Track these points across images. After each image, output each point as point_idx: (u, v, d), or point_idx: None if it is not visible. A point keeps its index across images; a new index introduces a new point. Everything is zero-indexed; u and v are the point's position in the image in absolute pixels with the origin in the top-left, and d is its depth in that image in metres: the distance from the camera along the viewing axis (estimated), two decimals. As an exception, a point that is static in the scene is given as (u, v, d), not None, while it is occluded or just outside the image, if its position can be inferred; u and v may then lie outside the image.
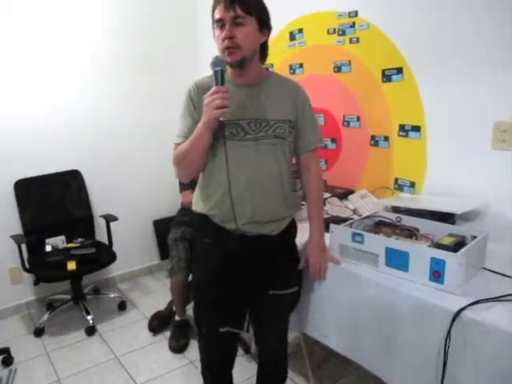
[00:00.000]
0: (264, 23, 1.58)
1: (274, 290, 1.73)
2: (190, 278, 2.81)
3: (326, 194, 2.59)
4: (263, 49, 1.65)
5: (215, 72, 1.48)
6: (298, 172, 1.83)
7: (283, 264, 1.75)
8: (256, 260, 1.66)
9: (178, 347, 2.74)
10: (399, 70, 2.35)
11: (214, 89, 1.46)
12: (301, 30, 2.86)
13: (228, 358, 1.89)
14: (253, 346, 2.53)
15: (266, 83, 1.65)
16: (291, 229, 1.77)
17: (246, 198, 1.59)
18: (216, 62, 1.49)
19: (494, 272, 1.60)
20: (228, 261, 1.65)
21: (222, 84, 1.48)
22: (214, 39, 1.59)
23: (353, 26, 2.54)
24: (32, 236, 3.10)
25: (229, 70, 1.62)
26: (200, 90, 1.60)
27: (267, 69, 1.75)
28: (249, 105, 1.59)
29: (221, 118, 1.50)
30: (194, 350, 2.74)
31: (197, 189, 1.73)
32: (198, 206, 1.71)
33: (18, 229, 3.14)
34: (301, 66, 2.91)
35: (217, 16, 1.51)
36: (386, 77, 2.42)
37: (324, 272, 1.83)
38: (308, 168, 1.80)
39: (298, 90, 1.74)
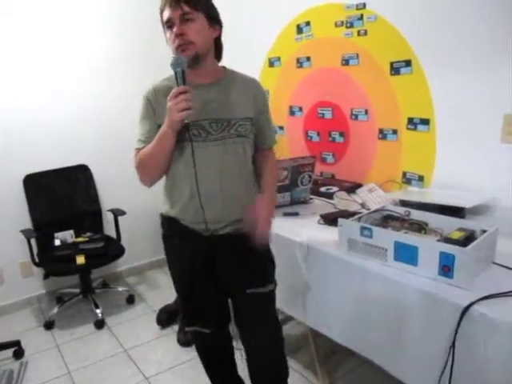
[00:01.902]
0: (213, 18, 1.59)
1: (251, 289, 1.71)
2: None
3: (334, 188, 2.59)
4: (217, 47, 1.66)
5: (176, 73, 1.49)
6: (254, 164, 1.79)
7: (256, 262, 1.72)
8: (227, 259, 1.67)
9: (187, 340, 2.75)
10: (408, 63, 2.33)
11: (175, 90, 1.47)
12: (308, 23, 2.84)
13: (212, 357, 1.96)
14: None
15: (224, 82, 1.65)
16: None
17: (214, 198, 1.60)
18: (176, 63, 1.49)
19: (504, 267, 1.59)
20: (199, 261, 1.67)
21: (184, 84, 1.49)
22: (166, 43, 1.60)
23: (361, 18, 2.51)
24: (41, 231, 3.12)
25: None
26: (159, 93, 1.62)
27: (224, 67, 1.72)
28: (209, 105, 1.58)
29: (186, 120, 1.49)
30: (202, 343, 2.75)
31: (163, 192, 1.73)
32: (165, 209, 1.71)
33: (27, 223, 3.16)
34: (308, 59, 2.90)
35: (165, 17, 1.52)
36: (395, 69, 2.40)
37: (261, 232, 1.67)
38: (266, 162, 1.80)
39: (257, 88, 1.75)
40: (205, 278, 1.70)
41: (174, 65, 1.49)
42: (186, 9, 1.49)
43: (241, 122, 1.63)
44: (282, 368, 1.88)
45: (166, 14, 1.51)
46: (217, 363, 1.99)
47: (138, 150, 1.62)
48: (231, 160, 1.62)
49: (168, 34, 1.55)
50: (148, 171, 1.63)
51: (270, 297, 1.80)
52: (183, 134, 1.53)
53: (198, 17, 1.52)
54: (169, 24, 1.52)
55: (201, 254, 1.67)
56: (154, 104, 1.61)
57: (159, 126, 1.56)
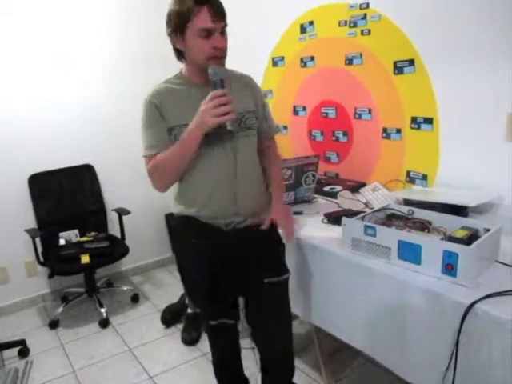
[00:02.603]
0: None
1: (269, 278, 1.74)
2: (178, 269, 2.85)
3: (338, 187, 2.59)
4: None
5: (215, 82, 1.51)
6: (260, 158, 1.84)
7: (273, 251, 1.80)
8: (247, 251, 1.69)
9: (191, 339, 2.77)
10: (411, 62, 2.33)
11: (212, 94, 1.49)
12: (311, 23, 2.84)
13: (229, 350, 1.96)
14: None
15: (228, 79, 1.65)
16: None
17: (238, 191, 1.63)
18: (215, 73, 1.52)
19: (507, 265, 1.59)
20: (220, 256, 1.68)
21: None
22: (177, 44, 1.59)
23: (364, 17, 2.52)
24: (46, 230, 3.14)
25: (185, 71, 1.67)
26: (163, 95, 1.62)
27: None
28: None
29: (229, 127, 1.52)
30: (206, 342, 2.71)
31: (176, 193, 1.72)
32: (180, 209, 1.71)
33: (32, 223, 3.18)
34: (312, 59, 2.90)
35: (202, 26, 1.50)
36: (398, 69, 2.40)
37: (291, 227, 1.86)
38: (269, 153, 1.86)
39: (253, 82, 1.80)
40: (226, 271, 1.71)
41: (214, 74, 1.52)
42: (225, 22, 1.54)
43: (247, 115, 1.67)
44: (292, 359, 1.93)
45: (206, 22, 1.49)
46: (231, 359, 1.99)
47: (151, 156, 1.61)
48: (247, 152, 1.67)
49: (201, 42, 1.52)
50: (168, 176, 1.63)
51: (286, 285, 1.84)
52: (208, 133, 1.54)
53: (226, 27, 1.57)
54: (206, 33, 1.51)
55: (221, 248, 1.68)
56: (160, 107, 1.60)
57: (170, 130, 1.58)
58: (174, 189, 1.72)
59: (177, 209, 1.73)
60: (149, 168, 1.63)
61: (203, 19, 1.49)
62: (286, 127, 3.20)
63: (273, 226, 1.76)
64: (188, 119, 1.54)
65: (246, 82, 1.76)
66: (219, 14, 1.51)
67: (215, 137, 1.58)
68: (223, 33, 1.55)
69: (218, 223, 1.66)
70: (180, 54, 1.64)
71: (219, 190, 1.63)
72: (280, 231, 1.83)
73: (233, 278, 1.72)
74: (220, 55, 1.55)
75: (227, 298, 1.81)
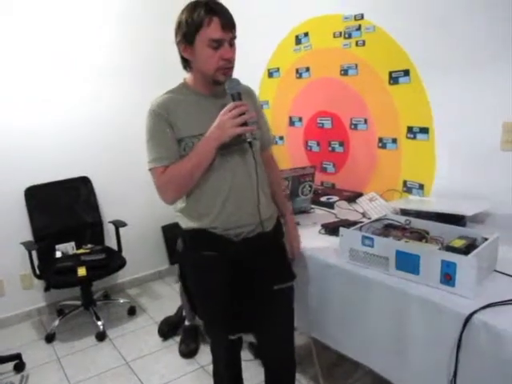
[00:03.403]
0: None
1: (278, 285, 1.74)
2: (180, 285, 2.82)
3: (335, 197, 2.59)
4: None
5: (233, 95, 1.53)
6: None
7: (280, 257, 1.80)
8: (258, 259, 1.67)
9: (188, 352, 2.74)
10: (406, 72, 2.34)
11: (232, 104, 1.50)
12: (306, 34, 2.86)
13: (237, 362, 1.91)
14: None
15: (225, 91, 1.63)
16: (279, 223, 1.83)
17: (251, 201, 1.61)
18: (232, 86, 1.54)
19: (506, 274, 1.59)
20: (233, 267, 1.65)
21: None
22: (184, 53, 1.58)
23: (359, 28, 2.54)
24: (42, 242, 3.12)
25: (191, 80, 1.65)
26: (170, 105, 1.59)
27: None
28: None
29: (248, 139, 1.52)
30: (204, 354, 2.74)
31: (183, 208, 1.67)
32: (190, 223, 1.66)
33: (28, 235, 3.16)
34: (307, 69, 2.92)
35: (214, 36, 1.49)
36: (393, 79, 2.41)
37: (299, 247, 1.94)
38: (269, 162, 1.87)
39: (253, 93, 1.81)
40: (240, 282, 1.68)
41: (231, 88, 1.53)
42: (234, 33, 1.55)
43: (252, 126, 1.64)
44: (294, 371, 1.96)
45: (216, 32, 1.49)
46: (234, 366, 1.94)
47: (161, 168, 1.58)
48: (260, 163, 1.67)
49: (211, 52, 1.51)
50: (179, 188, 1.59)
51: (292, 293, 1.84)
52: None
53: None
54: (216, 44, 1.50)
55: (234, 259, 1.65)
56: (168, 118, 1.57)
57: (179, 141, 1.56)
58: (180, 204, 1.67)
59: (186, 223, 1.68)
60: (160, 181, 1.59)
61: (214, 29, 1.49)
62: (282, 138, 3.21)
63: (279, 234, 1.80)
64: (198, 130, 1.53)
65: (248, 93, 1.75)
66: (229, 25, 1.51)
67: (232, 147, 1.56)
68: (232, 44, 1.55)
69: (229, 234, 1.63)
70: (186, 64, 1.63)
71: (236, 200, 1.60)
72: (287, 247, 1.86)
73: (243, 287, 1.68)
74: (228, 66, 1.55)
75: (242, 309, 1.72)
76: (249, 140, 1.53)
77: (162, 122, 1.57)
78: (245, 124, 1.50)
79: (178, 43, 1.58)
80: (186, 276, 1.83)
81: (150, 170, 1.63)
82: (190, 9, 1.52)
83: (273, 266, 1.73)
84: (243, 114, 1.49)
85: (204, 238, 1.65)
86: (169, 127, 1.57)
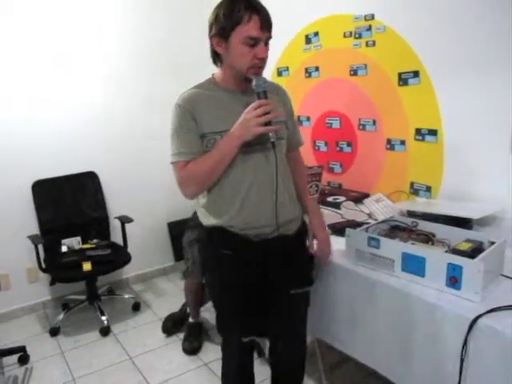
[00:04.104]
0: None
1: (295, 289, 1.73)
2: (204, 280, 2.82)
3: (341, 198, 2.58)
4: None
5: (259, 93, 1.50)
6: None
7: (301, 262, 1.77)
8: (276, 262, 1.66)
9: (192, 349, 2.75)
10: (416, 74, 2.33)
11: (257, 102, 1.47)
12: (316, 34, 2.85)
13: (250, 367, 1.90)
14: (267, 350, 2.52)
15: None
16: (304, 228, 1.80)
17: (269, 202, 1.59)
18: (259, 84, 1.50)
19: (512, 279, 1.58)
20: (250, 267, 1.64)
21: None
22: (216, 46, 1.55)
23: (369, 29, 2.53)
24: (48, 237, 3.14)
25: (219, 75, 1.63)
26: (197, 100, 1.58)
27: None
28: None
29: (272, 139, 1.50)
30: (207, 351, 2.74)
31: (203, 203, 1.67)
32: (209, 219, 1.66)
33: (35, 229, 3.18)
34: (317, 69, 2.91)
35: (250, 33, 1.47)
36: (403, 80, 2.41)
37: (329, 251, 1.86)
38: (297, 162, 1.86)
39: (284, 92, 1.79)
40: (257, 284, 1.67)
41: (258, 86, 1.50)
42: (271, 33, 1.53)
43: (280, 125, 1.63)
44: (303, 373, 1.96)
45: (254, 31, 1.47)
46: (246, 367, 1.91)
47: (183, 162, 1.56)
48: (283, 163, 1.65)
49: (246, 49, 1.50)
50: (200, 183, 1.59)
51: (308, 298, 1.83)
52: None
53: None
54: (253, 42, 1.49)
55: (252, 260, 1.63)
56: (193, 113, 1.55)
57: (202, 136, 1.55)
58: (202, 199, 1.67)
59: (206, 219, 1.67)
60: (181, 175, 1.58)
61: (252, 27, 1.47)
62: (289, 137, 3.21)
63: (303, 237, 1.78)
64: (222, 126, 1.52)
65: (280, 94, 1.75)
66: (267, 25, 1.50)
67: (254, 146, 1.55)
68: (267, 44, 1.53)
69: (248, 234, 1.61)
70: (217, 58, 1.61)
71: (255, 200, 1.58)
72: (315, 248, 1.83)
73: (259, 289, 1.67)
74: (260, 65, 1.53)
75: (256, 311, 1.71)
76: (272, 140, 1.51)
77: (186, 116, 1.56)
78: (269, 123, 1.47)
79: (212, 37, 1.56)
80: (208, 274, 1.82)
81: (172, 163, 1.60)
82: (229, 3, 1.50)
83: (292, 270, 1.71)
84: (268, 113, 1.46)
85: (222, 236, 1.64)
86: (193, 122, 1.56)
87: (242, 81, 1.56)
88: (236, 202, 1.59)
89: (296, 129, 1.86)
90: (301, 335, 1.89)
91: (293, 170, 1.79)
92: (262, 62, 1.53)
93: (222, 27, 1.50)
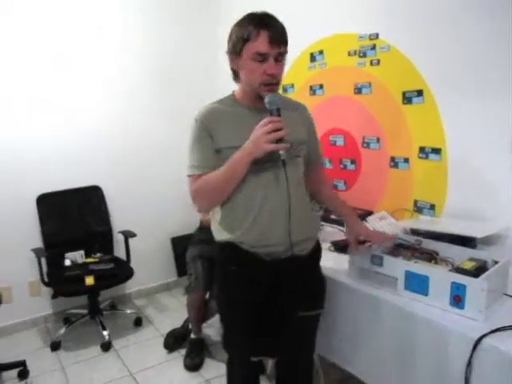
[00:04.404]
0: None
1: (303, 312, 1.70)
2: (207, 296, 2.81)
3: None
4: None
5: (271, 111, 1.49)
6: (308, 187, 1.82)
7: (313, 284, 1.74)
8: (286, 282, 1.64)
9: (194, 365, 2.73)
10: (420, 93, 2.35)
11: (268, 119, 1.46)
12: (321, 52, 2.88)
13: (255, 382, 1.88)
14: (269, 367, 2.50)
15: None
16: (318, 250, 1.77)
17: (282, 220, 1.57)
18: (272, 101, 1.49)
19: (516, 298, 1.57)
20: (258, 287, 1.62)
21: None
22: (234, 64, 1.59)
23: (374, 48, 2.55)
24: (52, 250, 3.14)
25: (238, 94, 1.65)
26: (214, 116, 1.60)
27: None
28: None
29: (282, 157, 1.48)
30: (209, 368, 2.72)
31: (217, 219, 1.67)
32: (222, 235, 1.65)
33: (38, 242, 3.19)
34: (321, 86, 2.93)
35: (258, 49, 1.48)
36: (407, 99, 2.42)
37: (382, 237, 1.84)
38: (321, 181, 1.87)
39: (305, 110, 1.80)
40: (266, 304, 1.64)
41: (271, 103, 1.49)
42: (283, 49, 1.52)
43: (300, 147, 1.64)
44: None
45: (263, 46, 1.48)
46: None
47: (196, 176, 1.58)
48: (292, 181, 1.60)
49: (255, 65, 1.51)
50: (210, 198, 1.59)
51: (317, 320, 1.81)
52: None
53: (285, 58, 1.56)
54: (261, 58, 1.49)
55: (262, 280, 1.62)
56: (209, 128, 1.58)
57: (217, 151, 1.56)
58: (217, 215, 1.67)
59: (219, 234, 1.67)
60: (193, 189, 1.59)
61: (260, 43, 1.48)
62: (294, 154, 3.22)
63: (317, 258, 1.76)
64: (237, 142, 1.51)
65: (300, 111, 1.75)
66: (277, 40, 1.49)
67: (265, 163, 1.54)
68: (279, 60, 1.52)
69: (259, 252, 1.60)
70: (236, 75, 1.63)
71: (267, 219, 1.57)
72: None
73: (268, 309, 1.65)
74: (271, 82, 1.52)
75: (265, 331, 1.69)
76: (283, 158, 1.48)
77: (202, 131, 1.59)
78: (280, 141, 1.45)
79: (228, 53, 1.59)
80: (218, 290, 1.81)
81: (187, 176, 1.63)
82: (243, 20, 1.53)
83: (302, 292, 1.67)
84: (279, 130, 1.44)
85: (232, 252, 1.63)
86: (209, 137, 1.58)
87: (257, 98, 1.56)
88: (248, 219, 1.58)
89: (318, 147, 1.84)
90: (308, 358, 1.87)
91: (317, 189, 1.82)
92: (273, 78, 1.52)
93: (234, 44, 1.54)
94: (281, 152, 1.48)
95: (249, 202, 1.58)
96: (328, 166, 2.97)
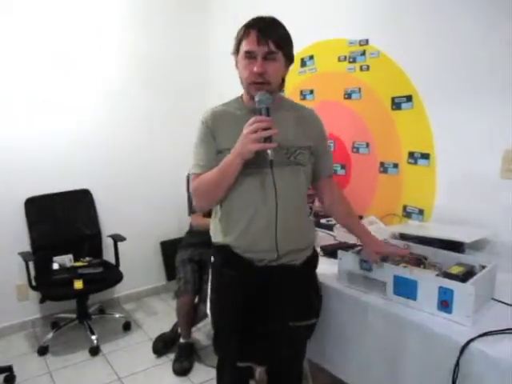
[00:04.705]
0: (290, 57, 1.61)
1: (294, 322, 1.69)
2: (197, 300, 2.81)
3: (334, 220, 2.59)
4: (282, 80, 1.65)
5: (261, 109, 1.48)
6: (318, 197, 1.86)
7: (306, 294, 1.73)
8: (275, 291, 1.63)
9: (182, 370, 2.72)
10: (409, 98, 2.37)
11: (254, 118, 1.44)
12: (312, 57, 2.90)
13: None
14: (257, 373, 2.50)
15: (281, 110, 1.64)
16: (313, 258, 1.77)
17: (270, 228, 1.56)
18: (262, 100, 1.48)
19: (503, 303, 1.58)
20: (249, 293, 1.62)
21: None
22: (235, 66, 1.61)
23: (363, 53, 2.57)
24: (40, 254, 3.11)
25: (244, 96, 1.65)
26: (218, 118, 1.61)
27: (282, 97, 1.74)
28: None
29: (270, 157, 1.46)
30: (198, 372, 2.71)
31: (215, 221, 1.68)
32: (218, 237, 1.66)
33: (26, 246, 3.16)
34: (311, 92, 2.95)
35: (247, 48, 1.50)
36: (396, 104, 2.44)
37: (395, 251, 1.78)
38: (331, 191, 1.82)
39: (314, 117, 1.78)
40: (256, 310, 1.63)
41: (260, 102, 1.48)
42: (272, 47, 1.50)
43: (300, 151, 1.62)
44: None
45: (249, 45, 1.50)
46: None
47: (196, 175, 1.60)
48: (289, 187, 1.59)
49: (244, 63, 1.53)
50: (206, 196, 1.61)
51: (310, 330, 1.80)
52: (248, 161, 1.48)
53: (279, 57, 1.54)
54: (249, 56, 1.51)
55: (252, 284, 1.61)
56: (212, 129, 1.60)
57: (219, 152, 1.57)
58: (217, 215, 1.67)
59: (215, 236, 1.69)
60: (192, 186, 1.63)
61: (249, 41, 1.50)
62: (284, 158, 3.22)
63: (311, 268, 1.76)
64: (235, 144, 1.50)
65: (304, 115, 1.73)
66: (265, 39, 1.48)
67: (256, 167, 1.53)
68: (269, 58, 1.50)
69: (251, 257, 1.60)
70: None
71: (259, 224, 1.57)
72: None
73: (258, 315, 1.64)
74: (258, 80, 1.51)
75: (254, 337, 1.67)
76: (271, 158, 1.46)
77: (206, 131, 1.61)
78: (269, 140, 1.43)
79: (232, 55, 1.62)
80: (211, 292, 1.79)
81: (191, 174, 1.65)
82: (245, 24, 1.56)
83: (292, 302, 1.67)
84: (268, 129, 1.42)
85: (226, 255, 1.64)
86: (211, 138, 1.60)
87: (250, 98, 1.57)
88: (242, 223, 1.58)
89: (327, 155, 1.81)
90: (297, 366, 1.87)
91: (326, 199, 1.81)
92: (259, 76, 1.51)
93: (235, 45, 1.58)
94: (268, 151, 1.45)
95: (243, 207, 1.58)
96: (318, 170, 2.98)
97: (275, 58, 1.53)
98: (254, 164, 1.51)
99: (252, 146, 1.42)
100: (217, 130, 1.60)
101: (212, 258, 1.74)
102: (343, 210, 1.83)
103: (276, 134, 1.44)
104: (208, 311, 1.80)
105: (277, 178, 1.55)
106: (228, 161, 1.49)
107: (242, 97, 1.68)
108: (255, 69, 1.50)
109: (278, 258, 1.59)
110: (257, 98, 1.50)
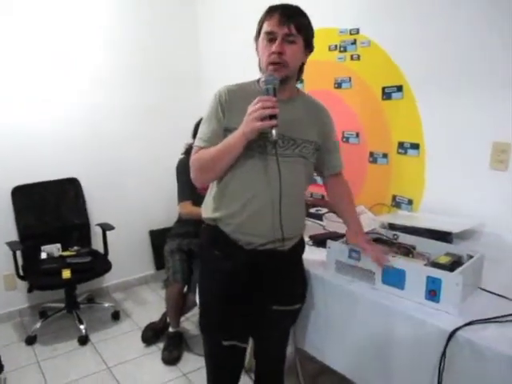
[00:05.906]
0: (309, 44, 1.61)
1: (277, 306, 1.71)
2: (185, 289, 2.80)
3: (324, 209, 2.59)
4: (301, 69, 1.66)
5: (268, 89, 1.47)
6: (326, 191, 1.89)
7: (291, 280, 1.75)
8: (264, 275, 1.65)
9: (171, 359, 2.72)
10: (399, 88, 2.37)
11: (259, 97, 1.43)
12: (302, 46, 2.88)
13: (234, 373, 1.83)
14: (247, 360, 2.51)
15: (295, 102, 1.64)
16: (300, 244, 1.78)
17: (272, 213, 1.56)
18: (270, 81, 1.48)
19: (489, 292, 1.60)
20: (237, 275, 1.62)
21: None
22: (255, 50, 1.61)
23: (354, 43, 2.56)
24: (28, 243, 3.09)
25: (261, 81, 1.63)
26: (232, 95, 1.59)
27: (298, 89, 1.74)
28: (280, 120, 1.46)
29: (274, 137, 1.43)
30: (186, 362, 2.72)
31: (209, 198, 1.67)
32: (208, 212, 1.66)
33: (13, 235, 3.13)
34: (301, 81, 2.92)
35: (268, 29, 1.51)
36: (386, 94, 2.44)
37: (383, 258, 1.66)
38: (339, 187, 1.85)
39: (324, 112, 1.76)
40: (241, 292, 1.65)
41: (267, 82, 1.48)
42: (293, 29, 1.50)
43: (305, 144, 1.61)
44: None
45: (271, 26, 1.51)
46: (229, 377, 1.83)
47: (199, 148, 1.59)
48: (291, 177, 1.59)
49: (264, 44, 1.54)
50: (202, 170, 1.60)
51: (294, 315, 1.83)
52: (253, 143, 1.49)
53: (299, 40, 1.54)
54: (270, 36, 1.52)
55: (238, 265, 1.62)
56: (225, 105, 1.58)
57: (225, 130, 1.56)
58: (213, 191, 1.66)
59: (206, 212, 1.67)
60: (192, 158, 1.61)
61: (270, 22, 1.51)
62: (274, 147, 3.21)
63: (297, 254, 1.77)
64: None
65: (316, 111, 1.72)
66: (286, 20, 1.49)
67: (261, 153, 1.54)
68: (288, 41, 1.51)
69: (239, 239, 1.60)
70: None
71: (256, 208, 1.56)
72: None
73: (243, 297, 1.65)
74: (276, 61, 1.51)
75: (239, 318, 1.68)
76: (275, 138, 1.44)
77: (217, 106, 1.59)
78: (273, 118, 1.41)
79: (255, 41, 1.62)
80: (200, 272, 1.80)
81: (194, 146, 1.65)
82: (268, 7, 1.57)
83: (277, 287, 1.69)
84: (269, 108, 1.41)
85: (215, 236, 1.64)
86: (221, 114, 1.58)
87: None
88: (238, 204, 1.57)
89: (336, 151, 1.81)
90: (280, 350, 1.89)
91: (332, 194, 1.84)
92: (277, 57, 1.51)
93: (257, 28, 1.59)
94: (273, 132, 1.43)
95: (239, 189, 1.57)
96: (308, 160, 2.97)
97: (295, 41, 1.53)
98: (260, 147, 1.53)
99: (253, 124, 1.42)
100: (228, 107, 1.58)
101: (201, 238, 1.76)
102: (346, 209, 1.85)
103: (278, 113, 1.42)
104: (197, 292, 1.82)
105: (282, 164, 1.54)
106: (231, 139, 1.49)
107: (258, 80, 1.66)
108: (273, 48, 1.50)
109: (271, 243, 1.60)
110: (263, 78, 1.51)
